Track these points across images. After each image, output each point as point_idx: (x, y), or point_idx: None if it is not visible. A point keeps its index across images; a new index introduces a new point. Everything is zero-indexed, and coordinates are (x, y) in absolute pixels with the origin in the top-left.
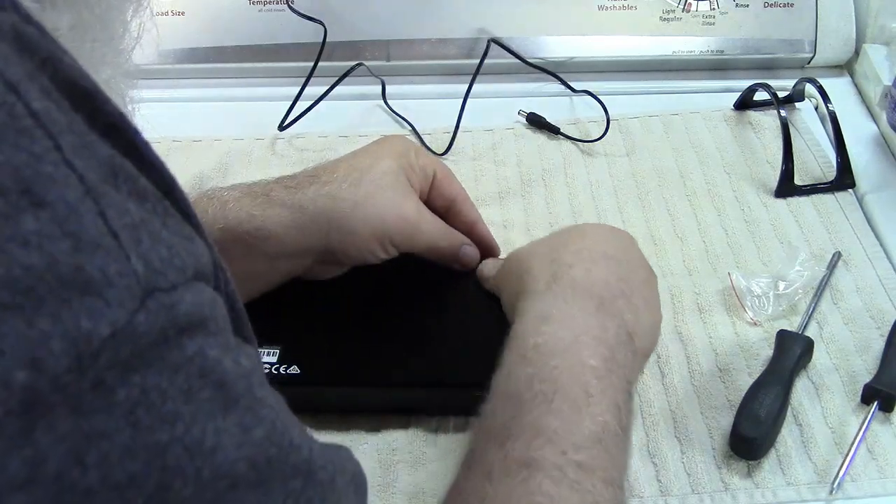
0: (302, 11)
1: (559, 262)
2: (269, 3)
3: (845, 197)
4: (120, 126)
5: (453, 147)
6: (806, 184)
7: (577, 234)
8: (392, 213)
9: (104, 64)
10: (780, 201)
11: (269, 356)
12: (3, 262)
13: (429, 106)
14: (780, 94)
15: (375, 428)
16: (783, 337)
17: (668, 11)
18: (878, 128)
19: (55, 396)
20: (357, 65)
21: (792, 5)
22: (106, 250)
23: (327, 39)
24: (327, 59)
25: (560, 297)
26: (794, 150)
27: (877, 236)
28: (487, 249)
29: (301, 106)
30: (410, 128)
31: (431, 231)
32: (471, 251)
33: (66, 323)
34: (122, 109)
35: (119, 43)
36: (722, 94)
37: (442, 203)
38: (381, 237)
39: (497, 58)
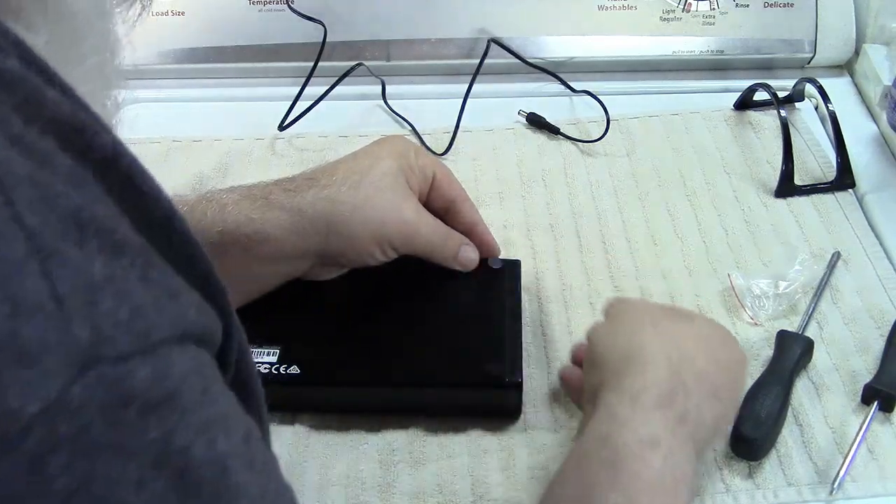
0: (302, 11)
1: (681, 380)
2: (269, 3)
3: (845, 197)
4: (113, 159)
5: (453, 147)
6: (806, 184)
7: (702, 339)
8: (391, 215)
9: (85, 76)
10: (780, 201)
11: (269, 356)
12: None
13: (429, 106)
14: (780, 94)
15: (375, 428)
16: (783, 337)
17: (668, 11)
18: (878, 128)
19: None
20: (357, 65)
21: (792, 5)
22: (46, 315)
23: (327, 39)
24: (327, 59)
25: (670, 429)
26: (794, 150)
27: (877, 236)
28: (488, 250)
29: (301, 106)
30: (410, 128)
31: (430, 233)
32: (470, 252)
33: None
34: (112, 139)
35: (103, 52)
36: (722, 94)
37: (441, 204)
38: (381, 240)
39: (497, 58)
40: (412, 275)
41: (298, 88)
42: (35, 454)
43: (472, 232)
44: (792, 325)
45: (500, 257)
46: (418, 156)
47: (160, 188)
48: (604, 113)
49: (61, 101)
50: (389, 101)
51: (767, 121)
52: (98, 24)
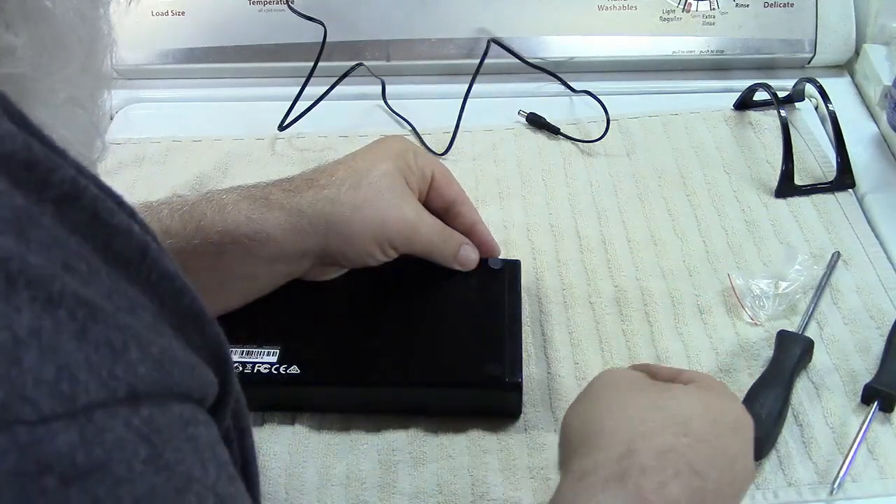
0: (302, 11)
1: (636, 459)
2: (269, 3)
3: (845, 197)
4: (74, 195)
5: (453, 147)
6: (806, 184)
7: (676, 412)
8: (390, 215)
9: (71, 78)
10: (780, 201)
11: (269, 356)
12: None
13: (429, 106)
14: (780, 94)
15: (375, 428)
16: (783, 337)
17: (668, 11)
18: (878, 128)
19: None
20: (357, 65)
21: (792, 5)
22: None
23: (327, 39)
24: (327, 59)
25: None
26: (794, 150)
27: (877, 236)
28: (488, 250)
29: (301, 106)
30: (410, 128)
31: (430, 233)
32: (470, 251)
33: None
34: (73, 174)
35: (91, 51)
36: (722, 94)
37: (441, 204)
38: (380, 240)
39: (497, 58)
40: (412, 275)
41: (298, 88)
42: None
43: (471, 232)
44: (792, 325)
45: (500, 257)
46: (417, 156)
47: (131, 222)
48: (604, 113)
49: (13, 133)
50: (389, 101)
51: (767, 121)
52: (84, 21)
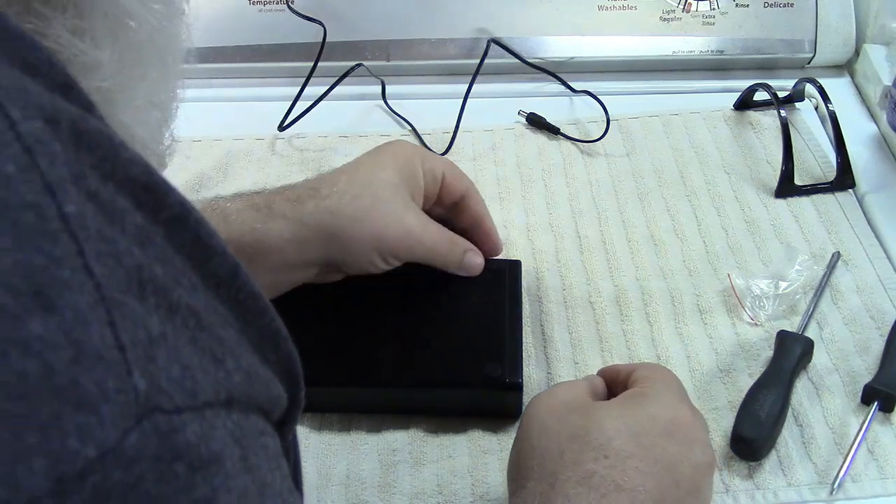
0: (302, 12)
1: (556, 483)
2: (269, 3)
3: (845, 197)
4: (182, 217)
5: (453, 147)
6: (806, 184)
7: (597, 433)
8: (392, 226)
9: (145, 87)
10: (780, 201)
11: None
12: (1, 366)
13: (429, 106)
14: (780, 94)
15: (375, 428)
16: (783, 337)
17: (668, 11)
18: (878, 128)
19: None
20: (357, 65)
21: (792, 5)
22: (108, 363)
23: (327, 39)
24: (327, 59)
25: None
26: (794, 150)
27: (877, 236)
28: (490, 248)
29: (301, 106)
30: (410, 128)
31: (435, 241)
32: (475, 257)
33: (52, 440)
34: (180, 197)
35: (164, 62)
36: (722, 94)
37: (453, 199)
38: (381, 250)
39: (497, 58)
40: (413, 276)
41: (298, 88)
42: (90, 503)
43: (478, 225)
44: (792, 325)
45: (501, 258)
46: (425, 160)
47: (224, 243)
48: (604, 113)
49: (136, 160)
50: (389, 101)
51: (767, 121)
52: (163, 33)
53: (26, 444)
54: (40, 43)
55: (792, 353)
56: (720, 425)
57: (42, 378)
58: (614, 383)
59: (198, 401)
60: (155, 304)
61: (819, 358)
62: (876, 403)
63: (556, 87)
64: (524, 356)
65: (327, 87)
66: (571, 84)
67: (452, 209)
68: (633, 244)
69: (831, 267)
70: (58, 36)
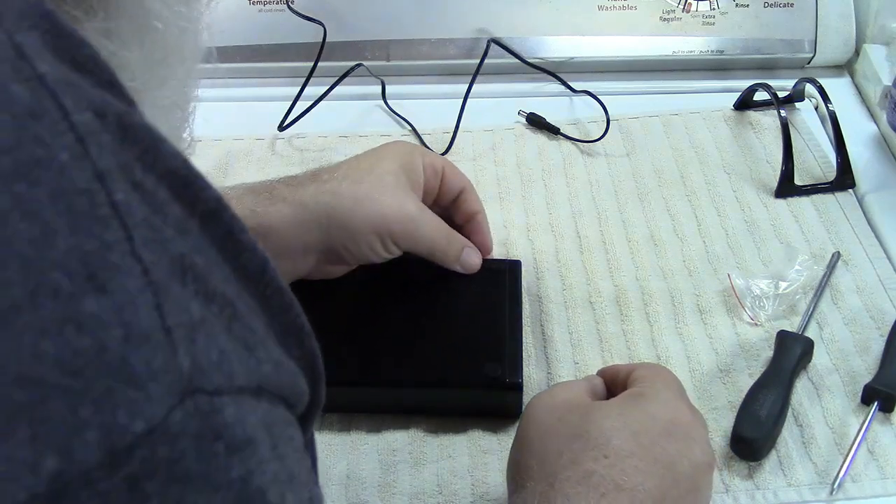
0: (302, 12)
1: (556, 483)
2: (269, 3)
3: (845, 197)
4: (217, 212)
5: (453, 147)
6: (806, 184)
7: (596, 433)
8: (393, 209)
9: (170, 88)
10: (780, 201)
11: None
12: (58, 343)
13: (429, 106)
14: (780, 94)
15: (375, 428)
16: (783, 337)
17: (668, 11)
18: (878, 128)
19: (83, 492)
20: (357, 65)
21: (792, 5)
22: (155, 344)
23: (327, 39)
24: (327, 59)
25: None
26: (794, 150)
27: (877, 236)
28: (481, 245)
29: (301, 106)
30: (410, 128)
31: (433, 230)
32: (473, 255)
33: (104, 414)
34: (216, 193)
35: (188, 63)
36: (722, 94)
37: (451, 195)
38: (382, 234)
39: (497, 58)
40: (413, 276)
41: (298, 88)
42: (135, 476)
43: (472, 221)
44: (792, 325)
45: (501, 258)
46: (425, 156)
47: (255, 239)
48: (604, 113)
49: (175, 154)
50: (389, 102)
51: (767, 121)
52: (187, 34)
53: (81, 417)
54: (87, 41)
55: (792, 353)
56: (720, 425)
57: (95, 355)
58: (614, 383)
59: (233, 384)
60: (195, 290)
61: (819, 358)
62: (876, 403)
63: (556, 87)
64: (524, 356)
65: (327, 87)
66: (571, 84)
67: (450, 207)
68: (632, 244)
69: (831, 267)
70: (89, 38)
